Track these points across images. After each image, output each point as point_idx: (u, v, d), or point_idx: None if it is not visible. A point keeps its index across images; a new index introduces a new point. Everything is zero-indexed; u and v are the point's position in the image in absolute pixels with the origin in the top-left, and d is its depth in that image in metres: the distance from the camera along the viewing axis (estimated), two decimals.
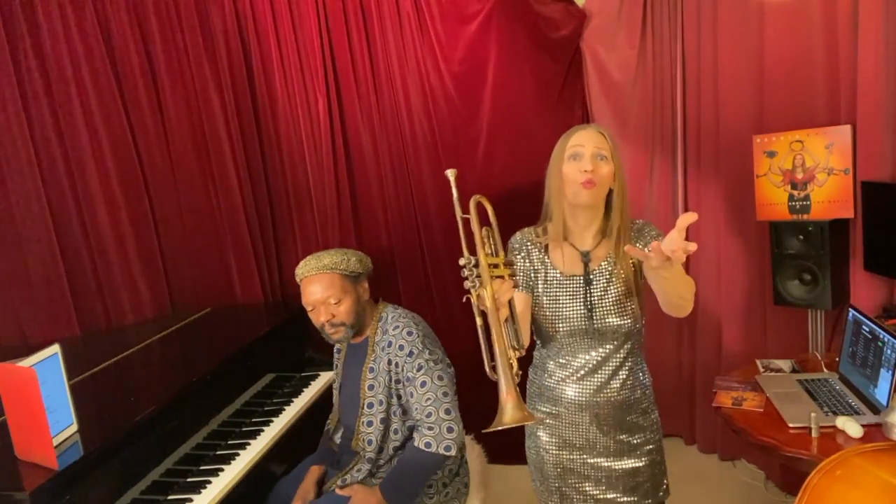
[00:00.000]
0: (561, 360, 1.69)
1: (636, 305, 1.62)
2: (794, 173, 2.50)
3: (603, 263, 1.63)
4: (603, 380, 1.65)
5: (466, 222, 1.41)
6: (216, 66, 3.02)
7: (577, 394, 1.67)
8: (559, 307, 1.64)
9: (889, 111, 2.30)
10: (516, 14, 2.91)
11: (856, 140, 2.37)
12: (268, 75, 3.10)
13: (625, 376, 1.66)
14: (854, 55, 2.34)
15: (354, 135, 3.12)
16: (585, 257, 1.64)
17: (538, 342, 1.76)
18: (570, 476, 1.71)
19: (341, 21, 3.00)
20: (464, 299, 1.36)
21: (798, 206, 2.51)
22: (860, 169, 2.39)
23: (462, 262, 1.34)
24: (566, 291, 1.64)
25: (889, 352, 1.91)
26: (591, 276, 1.63)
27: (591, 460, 1.69)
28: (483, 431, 1.29)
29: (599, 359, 1.64)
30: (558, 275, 1.65)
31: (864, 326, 2.07)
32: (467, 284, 1.33)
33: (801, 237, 2.49)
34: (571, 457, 1.70)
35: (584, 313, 1.62)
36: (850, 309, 2.20)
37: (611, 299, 1.61)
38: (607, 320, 1.60)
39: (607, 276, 1.62)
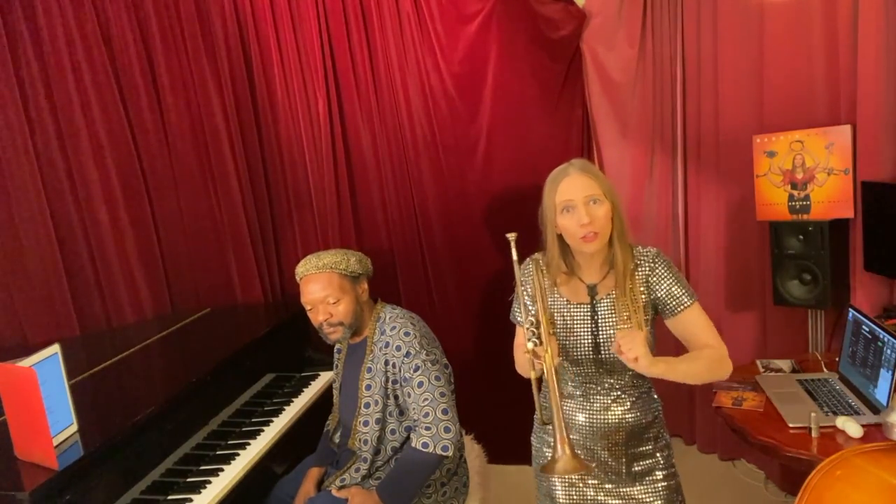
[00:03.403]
0: (570, 389, 1.68)
1: (645, 335, 1.57)
2: (794, 173, 2.50)
3: (612, 293, 1.61)
4: (612, 404, 1.64)
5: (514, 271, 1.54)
6: (216, 66, 3.02)
7: (587, 419, 1.66)
8: (567, 334, 1.63)
9: (889, 111, 2.30)
10: (516, 14, 2.91)
11: (856, 140, 2.37)
12: (268, 75, 3.10)
13: (634, 400, 1.65)
14: (854, 55, 2.34)
15: (354, 135, 3.12)
16: (592, 290, 1.63)
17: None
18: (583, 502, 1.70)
19: (341, 21, 3.00)
20: (525, 353, 1.47)
21: (798, 206, 2.51)
22: (860, 169, 2.39)
23: (527, 325, 1.45)
24: (574, 319, 1.63)
25: (889, 352, 1.91)
26: (597, 307, 1.62)
27: (604, 487, 1.67)
28: (540, 471, 1.39)
29: (607, 386, 1.64)
30: (566, 302, 1.65)
31: (864, 326, 2.07)
32: (530, 345, 1.43)
33: (801, 237, 2.49)
34: (584, 482, 1.68)
35: (591, 343, 1.61)
36: (850, 309, 2.20)
37: (616, 329, 1.58)
38: (612, 351, 1.57)
39: (613, 307, 1.60)
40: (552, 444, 1.37)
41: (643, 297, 1.60)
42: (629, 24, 2.91)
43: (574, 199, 1.53)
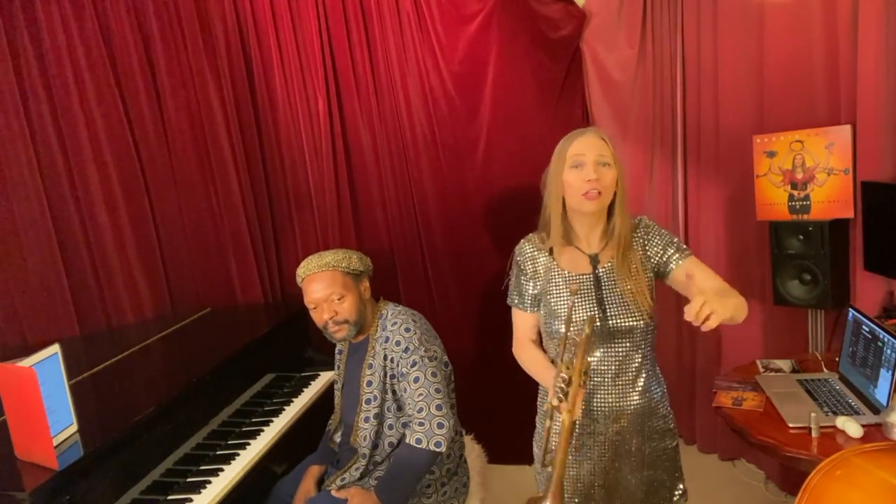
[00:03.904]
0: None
1: (648, 306, 1.60)
2: (794, 173, 2.50)
3: (610, 263, 1.63)
4: (624, 386, 1.63)
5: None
6: (216, 66, 3.02)
7: (597, 401, 1.64)
8: (576, 306, 1.61)
9: (889, 111, 2.30)
10: (516, 14, 2.91)
11: (856, 140, 2.37)
12: (268, 75, 3.10)
13: (644, 380, 1.65)
14: (854, 55, 2.34)
15: (354, 135, 3.12)
16: (594, 259, 1.63)
17: (549, 355, 1.73)
18: (591, 490, 1.69)
19: (341, 21, 3.00)
20: (545, 407, 1.45)
21: (798, 206, 2.51)
22: (860, 169, 2.39)
23: (560, 381, 1.40)
24: (580, 290, 1.62)
25: (889, 352, 1.91)
26: (601, 276, 1.62)
27: (613, 473, 1.67)
28: None
29: (617, 362, 1.62)
30: (566, 273, 1.64)
31: (864, 326, 2.07)
32: (554, 401, 1.39)
33: (801, 237, 2.49)
34: (592, 469, 1.67)
35: (598, 311, 1.60)
36: (850, 309, 2.20)
37: (621, 298, 1.60)
38: (620, 320, 1.59)
39: (615, 276, 1.61)
40: (545, 483, 1.33)
41: (642, 262, 1.62)
42: (629, 24, 2.91)
43: (586, 155, 1.57)
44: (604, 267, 1.63)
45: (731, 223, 2.86)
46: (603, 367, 1.63)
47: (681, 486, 1.76)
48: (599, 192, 1.55)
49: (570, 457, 1.68)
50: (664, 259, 1.64)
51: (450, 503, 2.12)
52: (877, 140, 2.34)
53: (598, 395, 1.64)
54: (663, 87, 2.95)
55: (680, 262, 1.62)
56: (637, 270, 1.60)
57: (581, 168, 1.56)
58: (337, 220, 3.16)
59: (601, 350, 1.62)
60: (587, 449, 1.66)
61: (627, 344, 1.62)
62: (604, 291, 1.61)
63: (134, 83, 2.94)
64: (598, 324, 1.60)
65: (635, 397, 1.64)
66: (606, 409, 1.64)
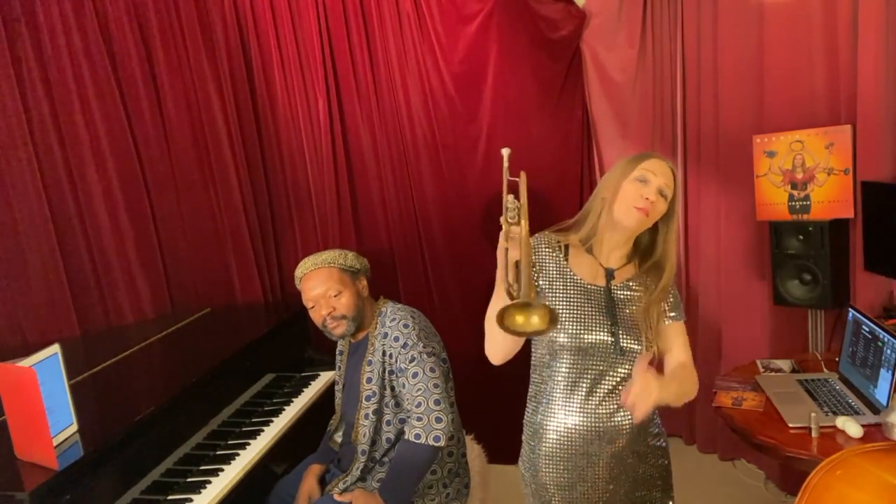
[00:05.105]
0: (569, 384, 1.60)
1: (651, 334, 1.59)
2: (794, 173, 2.50)
3: (630, 283, 1.61)
4: (617, 408, 1.60)
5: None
6: (216, 66, 3.02)
7: (592, 421, 1.60)
8: (583, 315, 1.57)
9: (889, 111, 2.31)
10: (516, 14, 2.91)
11: (856, 140, 2.37)
12: (268, 75, 3.11)
13: None
14: (854, 55, 2.34)
15: (354, 135, 3.12)
16: (609, 274, 1.62)
17: (536, 377, 1.70)
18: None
19: (341, 21, 3.00)
20: (505, 237, 1.42)
21: (798, 206, 2.51)
22: (860, 169, 2.39)
23: (510, 202, 1.45)
24: (590, 300, 1.59)
25: (889, 352, 1.91)
26: (613, 291, 1.61)
27: (607, 496, 1.64)
28: (507, 306, 1.29)
29: (613, 383, 1.59)
30: (579, 280, 1.61)
31: (864, 326, 2.07)
32: (508, 218, 1.41)
33: (801, 237, 2.49)
34: (586, 491, 1.64)
35: (608, 326, 1.57)
36: (850, 309, 2.20)
37: (629, 320, 1.58)
38: (626, 340, 1.56)
39: (627, 296, 1.60)
40: (514, 288, 1.33)
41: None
42: (629, 24, 2.91)
43: (656, 176, 1.57)
44: (618, 284, 1.62)
45: (731, 223, 2.86)
46: (598, 386, 1.60)
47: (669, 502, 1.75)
48: (648, 213, 1.55)
49: (563, 478, 1.65)
50: (662, 309, 1.65)
51: None
52: (877, 140, 2.34)
53: (594, 415, 1.61)
54: (663, 87, 2.95)
55: (670, 322, 1.65)
56: (649, 304, 1.60)
57: (645, 184, 1.56)
58: (337, 220, 3.16)
59: (600, 367, 1.59)
60: (581, 471, 1.62)
61: (627, 366, 1.58)
62: (615, 308, 1.59)
63: (134, 83, 2.94)
64: (608, 338, 1.57)
65: (629, 415, 1.61)
66: (601, 429, 1.61)
